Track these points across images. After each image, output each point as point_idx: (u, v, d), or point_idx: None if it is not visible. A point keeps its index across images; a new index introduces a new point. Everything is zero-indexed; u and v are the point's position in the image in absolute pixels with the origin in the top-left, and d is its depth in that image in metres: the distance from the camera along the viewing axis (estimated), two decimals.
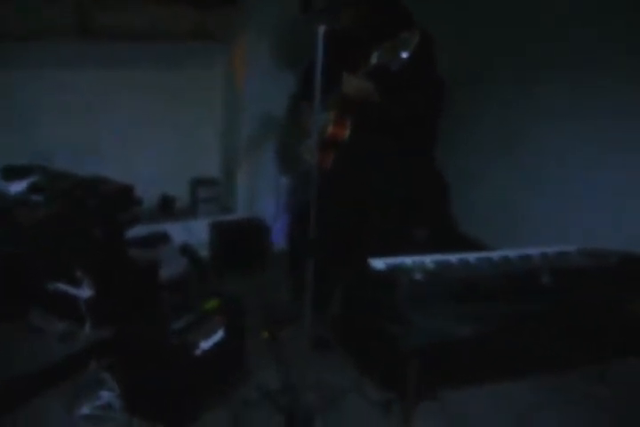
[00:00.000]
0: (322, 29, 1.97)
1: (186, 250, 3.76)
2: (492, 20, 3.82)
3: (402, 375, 2.53)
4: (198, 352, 2.45)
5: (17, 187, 2.81)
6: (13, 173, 2.88)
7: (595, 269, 2.75)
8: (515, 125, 3.82)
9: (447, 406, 2.69)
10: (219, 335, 2.56)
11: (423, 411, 2.65)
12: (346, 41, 2.94)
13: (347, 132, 2.88)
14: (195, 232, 3.93)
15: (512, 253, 2.85)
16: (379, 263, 2.61)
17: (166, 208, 4.04)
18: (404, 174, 3.26)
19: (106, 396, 2.57)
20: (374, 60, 2.57)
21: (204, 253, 3.89)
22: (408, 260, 2.66)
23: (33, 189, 2.81)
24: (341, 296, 3.31)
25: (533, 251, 2.88)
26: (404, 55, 2.44)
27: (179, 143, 4.02)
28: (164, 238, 3.72)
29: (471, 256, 2.77)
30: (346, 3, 2.79)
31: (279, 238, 3.91)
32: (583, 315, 2.67)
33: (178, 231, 3.85)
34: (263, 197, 4.05)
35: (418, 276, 2.47)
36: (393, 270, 2.53)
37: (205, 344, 2.48)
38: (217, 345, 2.54)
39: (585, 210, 3.40)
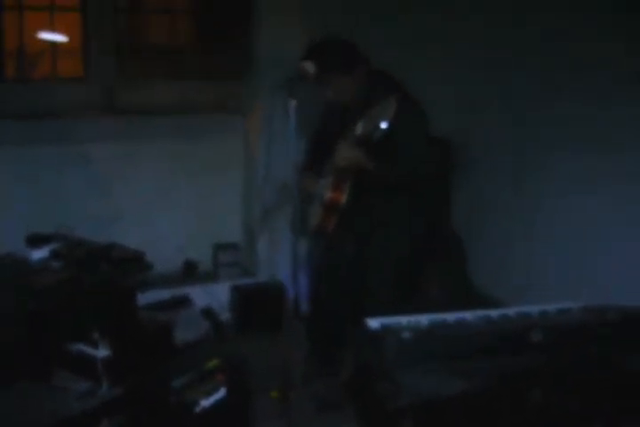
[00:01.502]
0: (293, 103, 2.11)
1: (207, 313, 3.89)
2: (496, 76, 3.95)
3: None
4: (198, 410, 2.54)
5: (39, 254, 3.01)
6: (37, 240, 3.08)
7: (591, 326, 2.75)
8: (528, 184, 3.88)
9: None
10: (220, 393, 2.65)
11: None
12: (342, 111, 3.11)
13: (344, 197, 2.97)
14: (216, 295, 4.06)
15: (512, 310, 2.89)
16: (374, 323, 2.68)
17: (189, 272, 4.21)
18: (413, 234, 3.34)
19: None
20: (358, 130, 2.70)
21: (225, 315, 4.01)
22: (404, 319, 2.72)
23: (53, 255, 3.00)
24: (352, 358, 3.37)
25: (534, 308, 2.90)
26: (384, 125, 2.55)
27: (201, 210, 4.23)
28: (185, 302, 3.87)
29: (469, 314, 2.81)
30: (329, 74, 2.88)
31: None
32: (576, 373, 2.65)
33: (200, 295, 4.00)
34: (283, 260, 4.15)
35: (406, 335, 2.52)
36: (383, 330, 2.59)
37: (206, 402, 2.57)
38: (218, 403, 2.62)
39: (600, 266, 3.42)
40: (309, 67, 2.14)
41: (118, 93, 4.11)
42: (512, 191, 4.00)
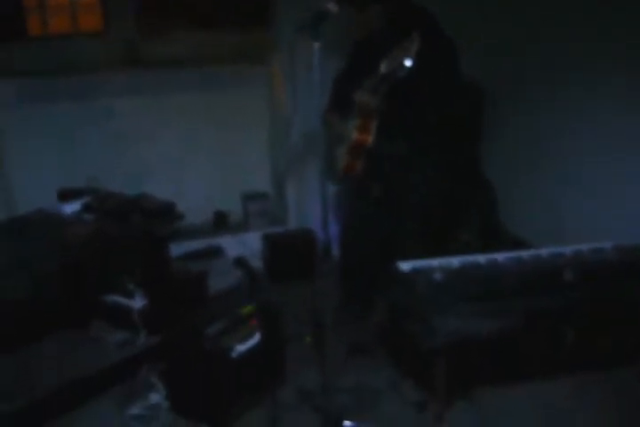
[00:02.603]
0: (316, 46, 2.07)
1: (239, 262, 3.93)
2: (535, 22, 3.85)
3: (431, 375, 2.59)
4: (234, 355, 2.59)
5: (71, 207, 3.06)
6: (68, 195, 3.12)
7: (624, 264, 2.74)
8: (558, 127, 3.82)
9: (481, 406, 2.72)
10: (255, 339, 2.69)
11: (457, 411, 2.68)
12: (369, 49, 3.06)
13: (370, 138, 2.94)
14: (248, 245, 4.10)
15: (544, 251, 2.88)
16: (405, 266, 2.69)
17: (220, 223, 4.25)
18: (442, 177, 3.31)
19: (154, 397, 2.76)
20: (382, 69, 2.65)
21: (257, 264, 4.05)
22: (435, 261, 2.73)
23: (85, 208, 3.04)
24: (384, 300, 3.39)
25: (566, 249, 2.89)
26: (408, 63, 2.51)
27: (229, 161, 4.24)
28: (217, 252, 3.92)
29: (501, 256, 2.81)
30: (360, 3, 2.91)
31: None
32: (611, 311, 2.64)
33: (232, 245, 4.05)
34: (312, 207, 4.16)
35: (437, 276, 2.54)
36: (415, 272, 2.60)
37: (241, 347, 2.62)
38: (253, 348, 2.67)
39: (630, 207, 3.38)
40: (332, 5, 2.09)
41: (140, 47, 4.09)
42: (543, 135, 3.94)
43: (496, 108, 4.19)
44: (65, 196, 3.11)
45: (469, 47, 3.13)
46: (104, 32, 4.11)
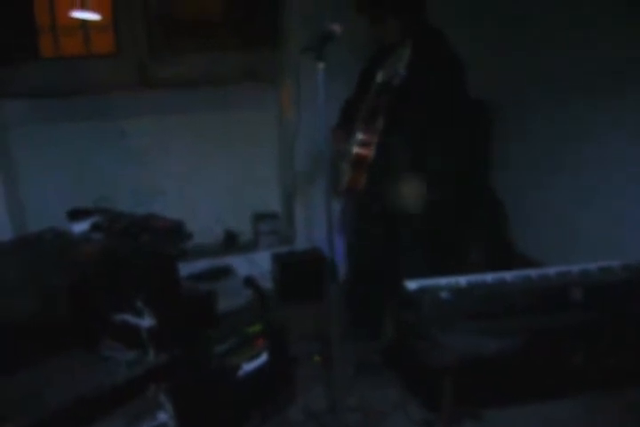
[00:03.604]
0: (321, 66, 2.10)
1: (249, 282, 3.94)
2: (537, 36, 3.87)
3: (438, 394, 2.58)
4: (241, 374, 2.60)
5: (80, 227, 3.08)
6: (78, 214, 3.15)
7: (632, 282, 2.72)
8: (569, 143, 3.82)
9: (488, 426, 2.71)
10: (262, 358, 2.70)
11: None
12: (372, 65, 3.08)
13: (371, 152, 2.93)
14: (257, 264, 4.12)
15: (552, 270, 2.87)
16: (412, 284, 2.69)
17: (230, 243, 4.26)
18: (449, 194, 3.30)
19: (162, 417, 2.76)
20: (379, 78, 2.67)
21: (266, 284, 4.06)
22: (443, 280, 2.72)
23: (94, 228, 3.07)
24: (392, 319, 3.39)
25: (574, 267, 2.88)
26: (401, 70, 2.52)
27: (238, 180, 4.26)
28: (227, 271, 3.94)
29: (509, 274, 2.81)
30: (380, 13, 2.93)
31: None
32: (619, 330, 2.63)
33: (241, 264, 4.06)
34: (320, 226, 4.16)
35: (444, 295, 2.54)
36: (421, 291, 2.60)
37: (248, 366, 2.63)
38: (261, 367, 2.68)
39: None
40: (337, 27, 2.11)
41: (151, 68, 4.13)
42: (553, 151, 3.94)
43: (506, 124, 4.20)
44: (75, 215, 3.14)
45: (478, 64, 3.14)
46: (116, 53, 4.16)
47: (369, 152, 2.92)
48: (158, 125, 4.07)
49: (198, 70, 4.12)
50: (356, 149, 2.91)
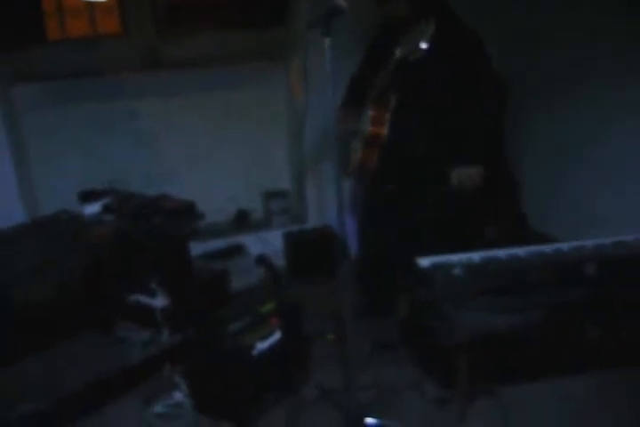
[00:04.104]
0: (328, 42, 2.07)
1: (261, 260, 3.95)
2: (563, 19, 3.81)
3: (452, 371, 2.58)
4: (255, 353, 2.60)
5: (91, 209, 3.09)
6: (89, 196, 3.15)
7: None
8: (589, 123, 3.78)
9: (503, 402, 2.70)
10: (275, 337, 2.70)
11: (479, 407, 2.68)
12: (385, 42, 3.05)
13: (384, 130, 2.92)
14: (269, 243, 4.12)
15: (566, 245, 2.85)
16: (425, 262, 2.68)
17: (242, 222, 4.27)
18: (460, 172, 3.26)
19: (177, 396, 2.79)
20: (398, 54, 2.64)
21: (279, 262, 4.06)
22: (455, 257, 2.71)
23: (105, 210, 3.07)
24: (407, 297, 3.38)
25: (589, 242, 2.86)
26: (423, 46, 2.49)
27: (250, 160, 4.26)
28: (239, 250, 3.94)
29: (522, 250, 2.79)
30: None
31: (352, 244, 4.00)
32: (634, 306, 2.61)
33: (253, 243, 4.07)
34: (331, 204, 4.15)
35: (457, 271, 2.53)
36: (434, 268, 2.59)
37: (262, 345, 2.63)
38: (274, 346, 2.68)
39: None
40: (342, 1, 2.08)
41: (159, 48, 4.11)
42: (568, 129, 3.90)
43: (523, 103, 4.14)
44: (86, 197, 3.14)
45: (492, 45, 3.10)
46: (123, 34, 4.13)
47: (382, 130, 2.90)
48: (168, 106, 4.05)
49: (207, 50, 4.10)
50: (369, 127, 2.89)
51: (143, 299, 3.12)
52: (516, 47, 3.94)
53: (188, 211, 3.05)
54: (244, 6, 4.27)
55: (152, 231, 2.92)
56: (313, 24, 2.11)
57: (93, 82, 3.91)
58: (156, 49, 4.09)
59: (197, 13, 4.24)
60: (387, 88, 2.87)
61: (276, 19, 4.20)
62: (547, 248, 2.81)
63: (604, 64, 3.53)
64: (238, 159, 4.22)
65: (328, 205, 4.16)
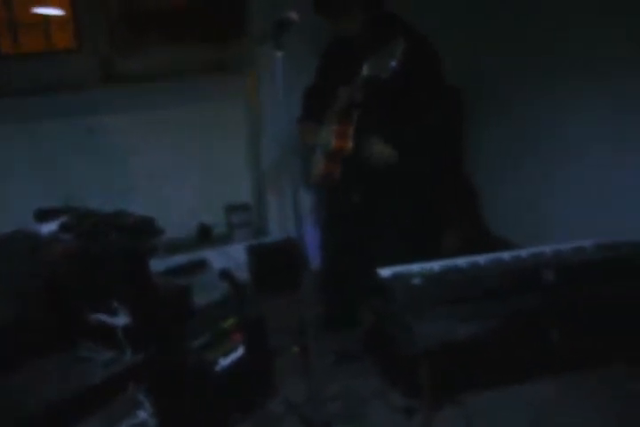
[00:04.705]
0: (279, 55, 2.07)
1: (224, 275, 3.92)
2: (509, 21, 3.86)
3: (416, 381, 2.58)
4: (218, 369, 2.58)
5: (48, 227, 3.03)
6: (45, 215, 3.10)
7: (603, 261, 2.73)
8: (541, 127, 3.83)
9: (468, 411, 2.71)
10: (239, 352, 2.69)
11: (445, 416, 2.69)
12: (343, 55, 3.05)
13: (349, 144, 2.93)
14: (233, 257, 4.09)
15: (524, 252, 2.87)
16: (385, 272, 2.68)
17: (204, 236, 4.24)
18: (420, 182, 3.29)
19: (141, 415, 2.75)
20: (365, 71, 2.63)
21: (242, 276, 4.04)
22: (416, 266, 2.72)
23: (62, 228, 3.02)
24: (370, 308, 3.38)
25: (547, 248, 2.88)
26: (393, 64, 2.50)
27: (211, 173, 4.23)
28: (202, 265, 3.90)
29: (482, 258, 2.81)
30: (339, 11, 2.89)
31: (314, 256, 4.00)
32: (593, 310, 2.63)
33: (216, 257, 4.04)
34: (297, 216, 4.14)
35: (416, 281, 2.53)
36: (394, 277, 2.59)
37: (225, 361, 2.62)
38: (238, 361, 2.67)
39: (614, 206, 3.38)
40: (293, 14, 2.08)
41: (115, 63, 4.08)
42: (526, 135, 3.95)
43: (478, 108, 4.19)
44: (42, 215, 3.09)
45: (447, 49, 3.12)
46: (79, 49, 4.10)
47: (347, 144, 2.91)
48: (126, 121, 4.01)
49: (164, 64, 4.09)
50: (333, 141, 2.90)
51: (104, 318, 3.08)
52: (465, 57, 3.99)
53: (146, 227, 3.01)
54: (200, 19, 4.26)
55: (109, 249, 2.88)
56: (264, 37, 2.11)
57: (49, 97, 3.85)
58: (113, 63, 4.06)
59: (153, 27, 4.22)
60: (351, 103, 2.87)
61: (233, 32, 4.19)
62: (505, 255, 2.82)
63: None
64: (198, 173, 4.20)
65: (290, 217, 4.14)
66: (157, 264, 3.43)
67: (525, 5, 3.71)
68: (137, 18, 4.22)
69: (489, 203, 4.29)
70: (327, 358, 3.14)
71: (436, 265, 2.72)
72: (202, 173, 4.21)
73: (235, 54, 4.14)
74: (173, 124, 4.08)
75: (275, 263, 4.00)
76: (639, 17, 3.07)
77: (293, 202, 2.39)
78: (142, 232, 3.00)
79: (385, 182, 3.14)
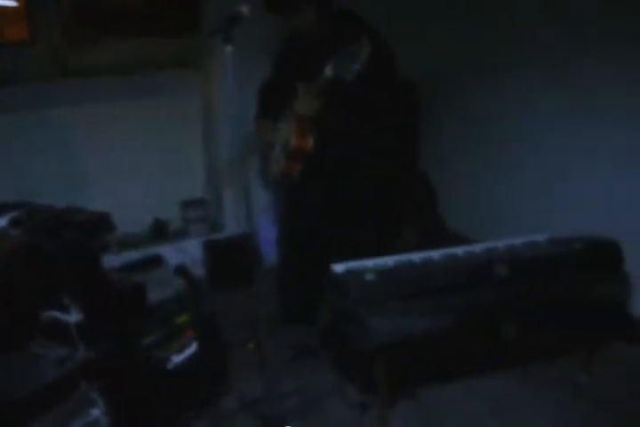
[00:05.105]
0: (229, 49, 2.06)
1: (180, 271, 3.88)
2: (465, 18, 3.89)
3: (371, 376, 2.59)
4: (171, 366, 2.56)
5: None
6: None
7: (556, 256, 2.76)
8: (494, 122, 3.87)
9: (424, 405, 2.74)
10: (192, 349, 2.67)
11: (401, 411, 2.72)
12: (300, 52, 3.03)
13: (310, 142, 2.91)
14: (188, 252, 4.07)
15: (478, 246, 2.89)
16: (339, 267, 2.68)
17: (160, 231, 4.20)
18: (378, 179, 3.30)
19: (94, 413, 2.71)
20: (328, 72, 2.61)
21: (199, 272, 4.02)
22: (370, 262, 2.72)
23: (12, 223, 2.97)
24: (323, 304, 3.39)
25: (500, 243, 2.91)
26: (357, 67, 2.48)
27: (166, 168, 4.21)
28: (157, 261, 3.86)
29: (436, 253, 2.82)
30: (291, 8, 2.85)
31: (269, 252, 4.00)
32: (546, 304, 2.67)
33: (172, 253, 4.00)
34: (250, 212, 4.13)
35: (369, 276, 2.52)
36: (347, 273, 2.59)
37: (178, 358, 2.60)
38: (191, 358, 2.65)
39: (570, 199, 3.44)
40: (244, 8, 2.06)
41: (69, 56, 4.02)
42: (481, 130, 3.99)
43: (433, 103, 4.22)
44: None
45: (399, 43, 3.12)
46: (31, 42, 4.02)
47: (307, 142, 2.89)
48: (80, 115, 3.97)
49: (120, 58, 4.05)
50: (293, 140, 2.88)
51: (57, 315, 3.04)
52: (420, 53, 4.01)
53: (98, 223, 2.97)
54: (156, 14, 4.21)
55: (60, 245, 2.84)
56: (215, 31, 2.08)
57: (2, 91, 3.77)
58: (66, 57, 4.00)
59: (108, 21, 4.16)
60: (314, 103, 2.85)
61: (189, 27, 4.15)
62: (459, 251, 2.84)
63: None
64: (154, 168, 4.17)
65: (246, 212, 4.12)
66: (112, 260, 3.39)
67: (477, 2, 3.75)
68: (91, 12, 4.15)
69: (445, 199, 4.32)
70: (284, 354, 3.13)
71: (390, 260, 2.73)
72: (157, 169, 4.18)
73: (190, 50, 4.10)
74: (129, 118, 4.04)
75: (230, 259, 3.97)
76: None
77: (248, 198, 2.37)
78: (94, 228, 2.96)
79: (343, 180, 3.14)
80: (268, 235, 3.84)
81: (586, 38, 3.17)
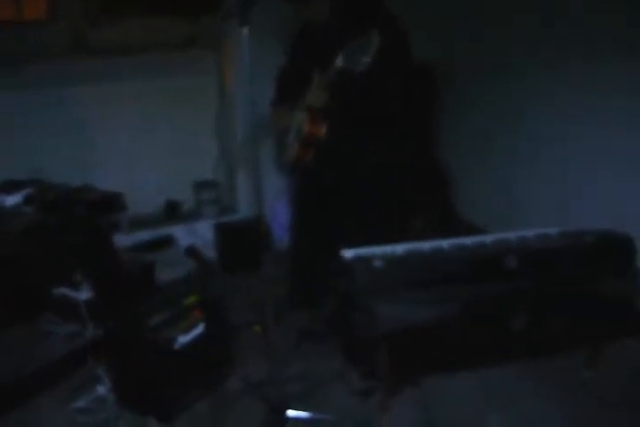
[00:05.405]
0: (245, 32, 2.05)
1: (190, 252, 3.91)
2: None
3: (375, 363, 2.60)
4: (177, 346, 2.58)
5: (12, 199, 3.01)
6: (10, 187, 3.07)
7: (567, 249, 2.75)
8: (513, 111, 3.84)
9: (425, 393, 2.74)
10: (198, 329, 2.68)
11: (403, 398, 2.72)
12: (314, 41, 3.02)
13: (322, 130, 2.91)
14: (200, 234, 4.08)
15: (489, 238, 2.88)
16: (348, 253, 2.68)
17: (172, 212, 4.22)
18: (391, 166, 3.29)
19: (100, 390, 2.74)
20: (339, 63, 2.59)
21: (209, 253, 4.03)
22: (379, 249, 2.72)
23: (26, 200, 2.99)
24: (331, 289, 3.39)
25: (511, 235, 2.90)
26: (366, 59, 2.46)
27: (179, 149, 4.21)
28: (168, 241, 3.89)
29: (446, 243, 2.81)
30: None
31: (282, 234, 4.01)
32: (555, 297, 2.66)
33: (183, 234, 4.02)
34: (264, 195, 4.13)
35: (377, 263, 2.52)
36: (356, 259, 2.59)
37: (184, 338, 2.61)
38: (197, 339, 2.66)
39: (585, 192, 3.42)
40: None
41: (88, 34, 4.02)
42: (497, 120, 3.96)
43: (450, 91, 4.19)
44: (7, 187, 3.06)
45: (421, 29, 3.10)
46: (50, 20, 4.02)
47: (320, 130, 2.89)
48: (96, 94, 3.97)
49: (137, 36, 4.02)
50: (306, 127, 2.88)
51: (67, 292, 3.07)
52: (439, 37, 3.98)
53: (110, 202, 2.99)
54: None
55: (74, 222, 2.86)
56: (229, 13, 2.07)
57: (20, 69, 3.78)
58: (85, 35, 4.00)
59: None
60: (325, 94, 2.84)
61: (209, 6, 4.13)
62: (470, 241, 2.83)
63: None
64: (168, 149, 4.17)
65: (260, 195, 4.13)
66: (124, 239, 3.42)
67: None
68: None
69: (459, 187, 4.30)
70: (290, 337, 3.14)
71: (399, 248, 2.72)
72: (172, 149, 4.18)
73: (207, 31, 4.09)
74: (145, 98, 4.04)
75: (241, 241, 3.97)
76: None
77: (260, 182, 2.37)
78: (105, 207, 2.98)
79: (355, 167, 3.13)
80: (282, 219, 3.85)
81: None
